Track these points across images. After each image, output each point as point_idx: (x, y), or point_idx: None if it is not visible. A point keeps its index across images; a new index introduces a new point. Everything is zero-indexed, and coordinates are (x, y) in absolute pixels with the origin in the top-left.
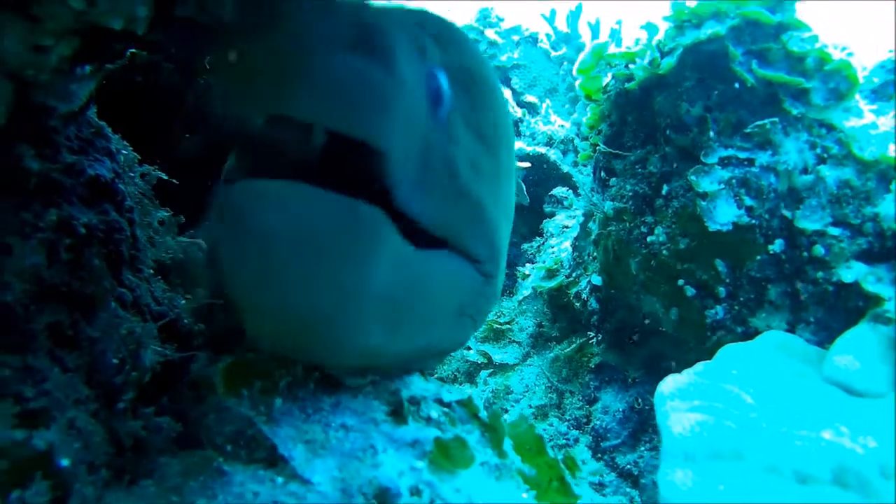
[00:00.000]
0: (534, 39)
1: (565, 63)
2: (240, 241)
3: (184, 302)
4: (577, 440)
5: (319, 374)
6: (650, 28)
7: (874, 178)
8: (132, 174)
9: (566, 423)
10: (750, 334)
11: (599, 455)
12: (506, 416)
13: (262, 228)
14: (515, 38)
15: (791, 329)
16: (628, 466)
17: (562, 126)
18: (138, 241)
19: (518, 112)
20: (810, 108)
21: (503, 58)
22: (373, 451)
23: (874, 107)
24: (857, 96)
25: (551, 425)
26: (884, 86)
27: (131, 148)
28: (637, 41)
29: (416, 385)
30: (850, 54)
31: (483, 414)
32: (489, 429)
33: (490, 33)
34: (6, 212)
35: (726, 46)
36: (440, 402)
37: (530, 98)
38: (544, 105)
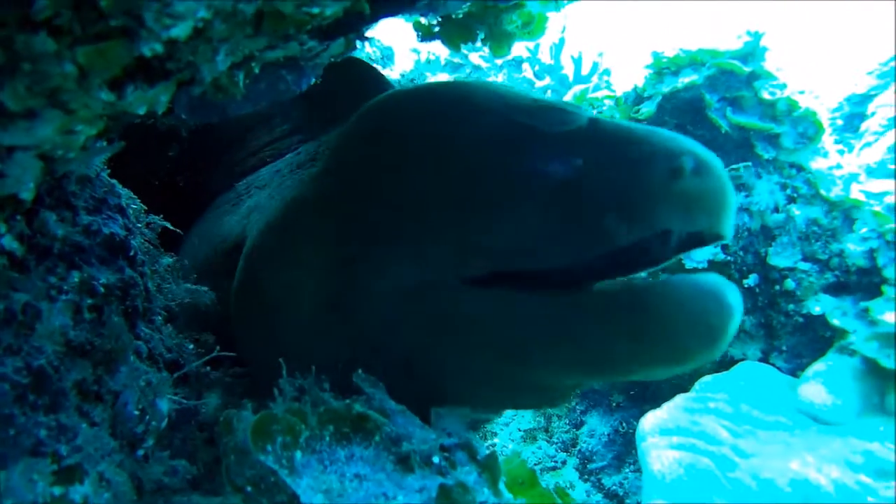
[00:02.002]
0: (517, 63)
1: (549, 93)
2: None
3: (192, 346)
4: (564, 462)
5: (333, 428)
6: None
7: (840, 216)
8: (139, 225)
9: (554, 445)
10: (726, 362)
11: (586, 476)
12: (495, 441)
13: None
14: (499, 61)
15: (765, 357)
16: (614, 487)
17: None
18: (150, 292)
19: None
20: (781, 151)
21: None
22: (385, 498)
23: (840, 147)
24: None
25: (539, 448)
26: (850, 118)
27: (133, 184)
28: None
29: (418, 435)
30: (816, 97)
31: (481, 455)
32: (486, 469)
33: (474, 57)
34: (37, 277)
35: (702, 94)
36: (441, 447)
37: None
38: None
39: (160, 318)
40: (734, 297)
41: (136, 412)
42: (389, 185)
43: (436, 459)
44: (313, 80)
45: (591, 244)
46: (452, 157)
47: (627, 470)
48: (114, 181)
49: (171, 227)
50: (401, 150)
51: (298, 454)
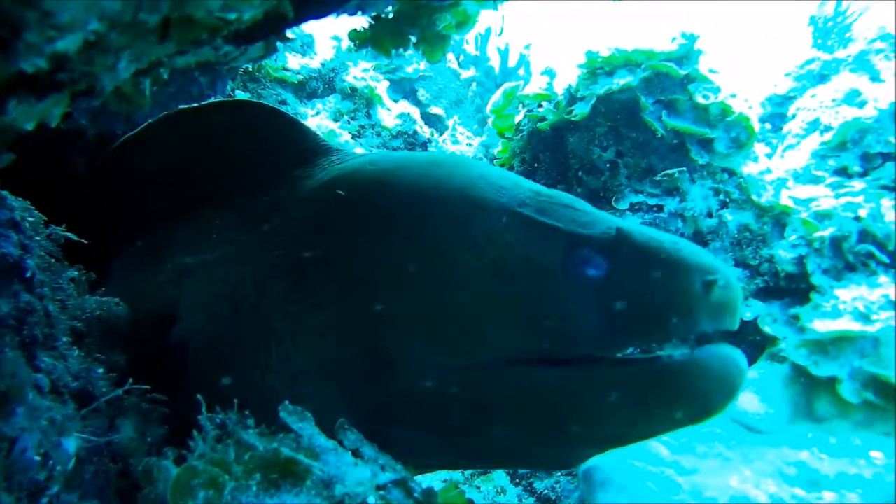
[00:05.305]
0: None
1: (474, 85)
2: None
3: (101, 370)
4: None
5: (260, 476)
6: (550, 73)
7: (770, 222)
8: (38, 238)
9: None
10: None
11: (517, 481)
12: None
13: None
14: None
15: None
16: (546, 492)
17: (469, 144)
18: (51, 316)
19: (427, 132)
20: (714, 156)
21: (409, 69)
22: None
23: (767, 150)
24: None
25: None
26: (771, 118)
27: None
28: (549, 86)
29: (351, 476)
30: (745, 100)
31: (417, 492)
32: None
33: None
34: None
35: (637, 97)
36: (377, 486)
37: (436, 110)
38: (451, 121)
39: (65, 341)
40: (743, 359)
41: (37, 458)
42: (397, 278)
43: (371, 500)
44: (230, 85)
45: (632, 340)
46: (474, 250)
47: (559, 473)
48: (4, 193)
49: (75, 238)
50: (408, 242)
51: None
